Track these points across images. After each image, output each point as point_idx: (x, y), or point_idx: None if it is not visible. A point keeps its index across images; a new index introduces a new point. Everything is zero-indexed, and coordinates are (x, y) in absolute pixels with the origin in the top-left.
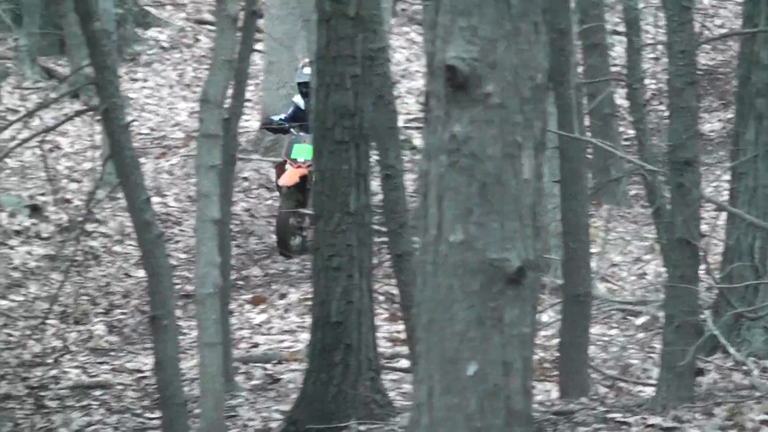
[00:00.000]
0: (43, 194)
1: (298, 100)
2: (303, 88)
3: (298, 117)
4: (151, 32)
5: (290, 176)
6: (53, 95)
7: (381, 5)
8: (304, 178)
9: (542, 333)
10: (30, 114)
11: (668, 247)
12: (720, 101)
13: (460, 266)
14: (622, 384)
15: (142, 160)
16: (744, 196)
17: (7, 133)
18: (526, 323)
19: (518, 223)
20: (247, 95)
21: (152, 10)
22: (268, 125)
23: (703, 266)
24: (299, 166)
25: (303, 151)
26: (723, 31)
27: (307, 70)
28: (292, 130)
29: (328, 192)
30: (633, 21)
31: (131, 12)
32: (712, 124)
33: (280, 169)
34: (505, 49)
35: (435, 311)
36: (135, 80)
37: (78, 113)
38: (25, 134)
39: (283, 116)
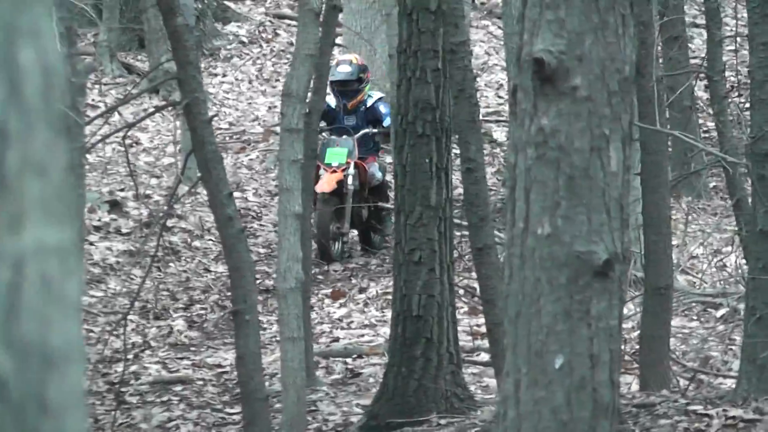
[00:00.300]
0: (122, 190)
1: (330, 99)
2: (337, 87)
3: (328, 116)
4: (231, 27)
5: (327, 182)
6: (134, 91)
7: None
8: (340, 183)
9: (623, 325)
10: (111, 110)
11: (749, 239)
12: None
13: (547, 259)
14: (702, 376)
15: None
16: None
17: (87, 129)
18: (613, 316)
19: (605, 216)
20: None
21: (231, 5)
22: None
23: None
24: (334, 171)
25: (336, 155)
26: None
27: (343, 68)
28: (324, 133)
29: (410, 186)
30: (713, 13)
31: (210, 7)
32: None
33: (316, 174)
34: (593, 42)
35: (522, 304)
36: (214, 75)
37: (159, 108)
38: (106, 130)
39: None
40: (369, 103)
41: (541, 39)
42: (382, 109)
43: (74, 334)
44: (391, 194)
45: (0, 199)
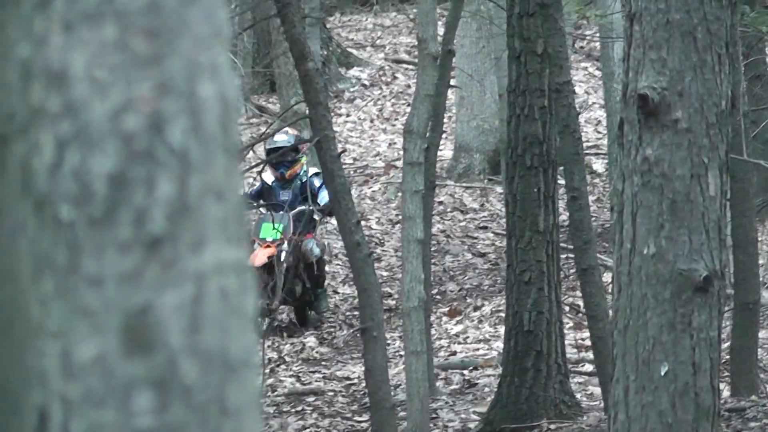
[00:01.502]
0: None
1: (267, 176)
2: (276, 158)
3: (264, 193)
4: (353, 72)
5: (259, 257)
6: (267, 130)
7: (565, 43)
8: (271, 258)
9: None
10: (248, 147)
11: None
12: None
13: (652, 276)
14: None
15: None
16: None
17: None
18: (713, 327)
19: (705, 237)
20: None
21: (354, 52)
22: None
23: None
24: (268, 246)
25: (270, 230)
26: None
27: (279, 137)
28: (261, 209)
29: (520, 213)
30: None
31: (335, 53)
32: None
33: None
34: (692, 79)
35: (630, 317)
36: (339, 115)
37: (294, 145)
38: (242, 167)
39: (248, 191)
40: (305, 178)
41: (645, 76)
42: (317, 183)
43: (250, 343)
44: (328, 268)
45: (183, 222)
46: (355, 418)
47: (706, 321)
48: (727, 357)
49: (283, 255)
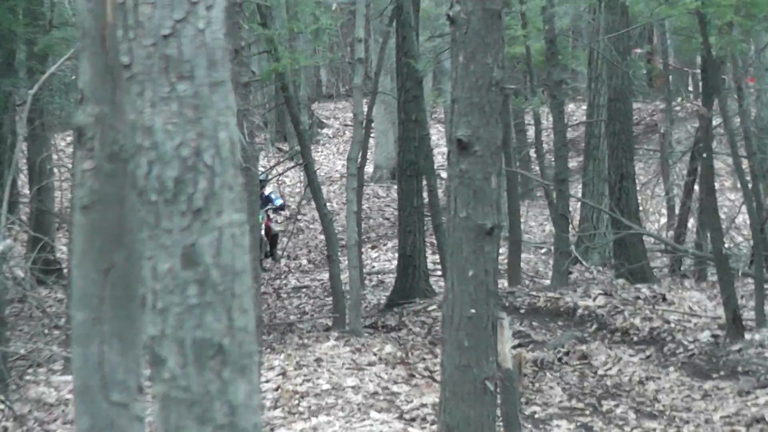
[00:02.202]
0: None
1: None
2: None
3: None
4: (324, 130)
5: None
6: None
7: (425, 114)
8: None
9: None
10: (272, 168)
11: None
12: None
13: (465, 227)
14: None
15: None
16: None
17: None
18: (493, 252)
19: (490, 208)
20: None
21: (324, 120)
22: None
23: None
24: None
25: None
26: None
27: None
28: None
29: (404, 198)
30: None
31: (315, 121)
32: None
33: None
34: (483, 130)
35: (454, 248)
36: (317, 151)
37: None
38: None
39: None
40: (266, 193)
41: (460, 130)
42: (273, 197)
43: (246, 262)
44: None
45: (211, 201)
46: (327, 299)
47: (490, 249)
48: (506, 266)
49: (262, 231)
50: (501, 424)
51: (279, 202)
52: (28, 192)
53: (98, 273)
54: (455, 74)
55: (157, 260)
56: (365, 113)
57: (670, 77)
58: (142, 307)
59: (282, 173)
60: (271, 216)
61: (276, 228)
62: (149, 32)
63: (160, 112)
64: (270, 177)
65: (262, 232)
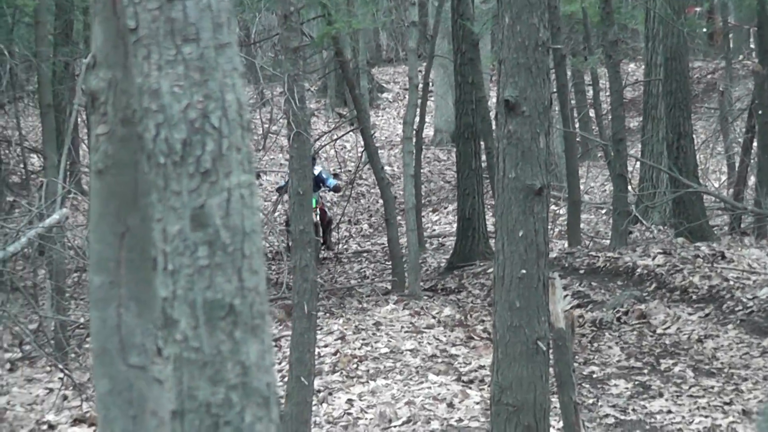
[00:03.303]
0: None
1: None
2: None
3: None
4: (384, 94)
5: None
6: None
7: (482, 78)
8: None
9: None
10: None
11: None
12: None
13: (514, 188)
14: None
15: None
16: None
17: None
18: (544, 212)
19: (539, 168)
20: None
21: (384, 85)
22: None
23: None
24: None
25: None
26: None
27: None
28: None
29: (463, 160)
30: None
31: (375, 86)
32: None
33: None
34: (530, 91)
35: (504, 208)
36: (378, 115)
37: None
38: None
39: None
40: (316, 173)
41: (507, 91)
42: (324, 176)
43: (256, 220)
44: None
45: (219, 162)
46: (387, 263)
47: (540, 209)
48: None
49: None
50: (555, 383)
51: (333, 182)
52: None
53: (114, 237)
54: (501, 35)
55: (167, 222)
56: (422, 77)
57: (730, 35)
58: (153, 269)
59: (338, 138)
60: (327, 198)
61: (329, 213)
62: None
63: (166, 75)
64: (322, 145)
65: (317, 217)
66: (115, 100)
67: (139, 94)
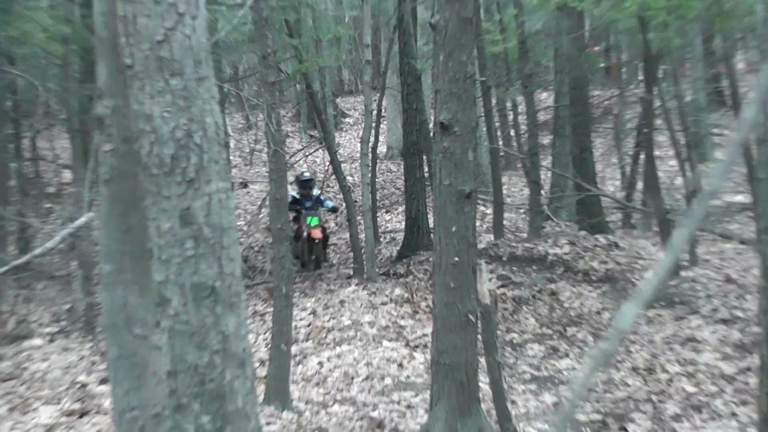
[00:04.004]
0: None
1: (293, 193)
2: (301, 182)
3: (295, 202)
4: (347, 119)
5: (316, 233)
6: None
7: (424, 104)
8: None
9: None
10: (301, 150)
11: None
12: None
13: (448, 192)
14: None
15: None
16: None
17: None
18: (472, 213)
19: (468, 176)
20: None
21: (346, 111)
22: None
23: None
24: (315, 228)
25: (313, 220)
26: None
27: (306, 174)
28: (303, 210)
29: (409, 171)
30: None
31: (339, 112)
32: None
33: (299, 229)
34: (461, 114)
35: (440, 209)
36: (341, 136)
37: (315, 150)
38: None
39: (289, 199)
40: (314, 196)
41: (443, 114)
42: (322, 198)
43: (232, 219)
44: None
45: (202, 172)
46: (349, 254)
47: (469, 209)
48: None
49: (319, 232)
50: (482, 348)
51: (330, 204)
52: None
53: (119, 233)
54: (437, 70)
55: (160, 221)
56: (375, 104)
57: (623, 69)
58: (150, 258)
59: (309, 154)
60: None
61: (326, 231)
62: (146, 38)
63: (157, 103)
64: (297, 160)
65: (319, 234)
66: (117, 123)
67: (136, 118)
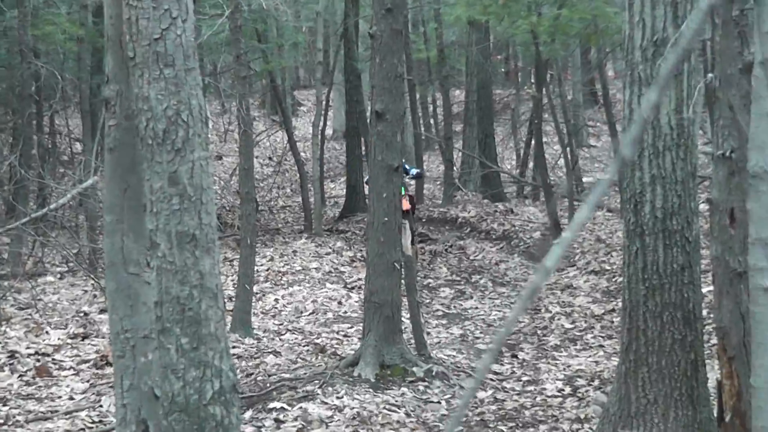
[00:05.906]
0: None
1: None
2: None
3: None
4: (301, 108)
5: (404, 204)
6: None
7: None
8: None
9: None
10: (266, 131)
11: None
12: None
13: (380, 167)
14: None
15: None
16: None
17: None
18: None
19: (396, 153)
20: None
21: (299, 100)
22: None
23: None
24: (403, 197)
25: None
26: None
27: (414, 170)
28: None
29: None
30: None
31: (294, 101)
32: None
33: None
34: (391, 103)
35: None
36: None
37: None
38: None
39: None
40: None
41: (378, 104)
42: (407, 167)
43: (210, 181)
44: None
45: (187, 143)
46: (301, 213)
47: (396, 180)
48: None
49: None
50: (405, 290)
51: (414, 171)
52: None
53: (120, 190)
54: (374, 70)
55: (153, 181)
56: (324, 96)
57: (519, 73)
58: (144, 211)
59: (272, 134)
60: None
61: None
62: (145, 36)
63: (153, 87)
64: (261, 139)
65: (407, 205)
66: (121, 104)
67: (136, 100)
